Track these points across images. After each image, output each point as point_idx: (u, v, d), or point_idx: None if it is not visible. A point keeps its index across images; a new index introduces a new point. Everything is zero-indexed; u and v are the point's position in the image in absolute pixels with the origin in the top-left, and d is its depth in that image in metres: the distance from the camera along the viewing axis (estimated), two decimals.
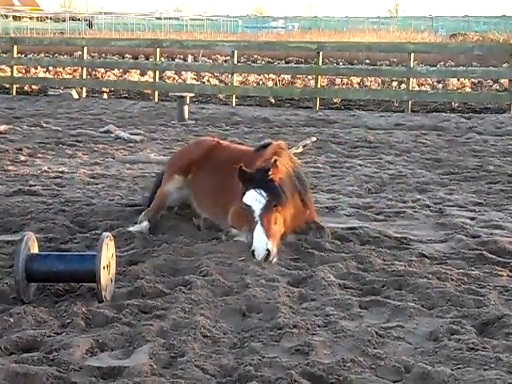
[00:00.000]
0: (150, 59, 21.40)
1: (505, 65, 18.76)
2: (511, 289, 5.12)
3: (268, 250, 5.54)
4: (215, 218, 6.64)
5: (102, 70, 24.55)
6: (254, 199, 5.72)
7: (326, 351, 4.11)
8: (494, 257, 5.90)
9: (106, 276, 4.84)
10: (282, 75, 23.10)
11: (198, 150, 7.25)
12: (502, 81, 20.54)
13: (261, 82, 22.87)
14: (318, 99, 17.87)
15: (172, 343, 4.16)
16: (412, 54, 17.41)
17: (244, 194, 5.78)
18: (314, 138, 12.02)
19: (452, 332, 4.34)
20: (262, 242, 5.55)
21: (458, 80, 21.56)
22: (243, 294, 4.92)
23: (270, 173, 5.78)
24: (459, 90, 20.54)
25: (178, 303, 4.74)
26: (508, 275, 5.46)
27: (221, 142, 7.49)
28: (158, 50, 19.84)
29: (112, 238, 5.00)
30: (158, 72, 19.92)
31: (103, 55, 31.48)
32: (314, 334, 4.35)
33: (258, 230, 5.59)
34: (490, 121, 15.25)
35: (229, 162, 6.33)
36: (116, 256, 5.21)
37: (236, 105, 18.45)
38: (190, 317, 4.53)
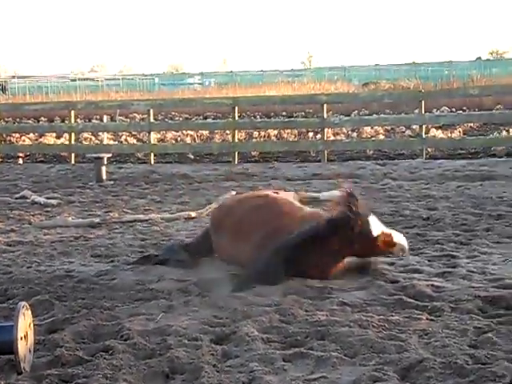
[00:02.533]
0: (66, 121, 21.25)
1: (416, 111, 19.29)
2: (431, 332, 5.20)
3: None
4: None
5: (17, 135, 24.23)
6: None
7: None
8: (412, 301, 6.00)
9: (24, 346, 4.73)
10: (200, 131, 23.25)
11: None
12: (413, 126, 21.12)
13: (179, 139, 22.94)
14: (237, 153, 18.03)
15: None
16: (325, 105, 17.80)
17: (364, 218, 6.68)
18: (234, 192, 12.09)
19: (374, 379, 4.38)
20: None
21: (372, 128, 22.08)
22: (166, 356, 4.86)
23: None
24: (373, 138, 21.01)
25: (100, 370, 4.65)
26: (427, 318, 5.55)
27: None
28: (72, 112, 19.74)
29: (28, 307, 4.90)
30: (73, 134, 19.78)
31: (18, 119, 31.11)
32: None
33: (395, 234, 6.87)
34: (403, 166, 15.64)
35: None
36: (34, 325, 5.10)
37: (155, 162, 18.45)
38: (112, 383, 4.45)
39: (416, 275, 6.86)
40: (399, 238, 6.89)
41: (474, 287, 6.33)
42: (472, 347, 4.87)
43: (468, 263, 7.28)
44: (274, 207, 7.33)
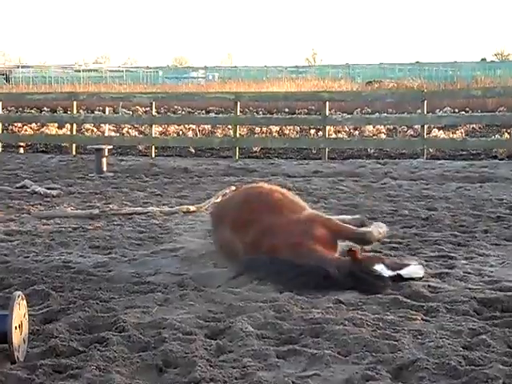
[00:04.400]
0: (68, 112, 21.25)
1: (418, 111, 19.28)
2: (425, 332, 5.20)
3: None
4: None
5: (19, 125, 24.24)
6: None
7: None
8: (408, 301, 6.00)
9: (19, 336, 4.73)
10: (201, 125, 23.25)
11: None
12: (415, 126, 21.10)
13: (181, 133, 22.94)
14: (238, 148, 18.03)
15: None
16: (327, 103, 17.78)
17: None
18: (234, 187, 12.08)
19: (367, 378, 4.39)
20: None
21: (374, 127, 22.06)
22: (160, 349, 4.86)
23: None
24: (374, 137, 21.02)
25: (93, 361, 4.66)
26: (422, 319, 5.55)
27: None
28: (74, 102, 19.76)
29: (24, 297, 4.90)
30: (75, 125, 19.80)
31: (20, 109, 31.11)
32: None
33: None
34: (404, 166, 15.64)
35: None
36: (29, 315, 5.10)
37: (156, 155, 18.46)
38: (105, 375, 4.45)
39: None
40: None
41: (470, 289, 6.33)
42: (466, 349, 4.87)
43: (465, 264, 7.28)
44: (273, 202, 7.31)
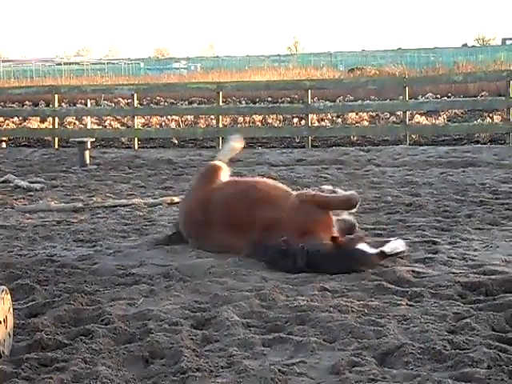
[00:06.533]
0: (50, 106, 21.14)
1: (400, 97, 19.32)
2: (410, 317, 5.22)
3: None
4: None
5: (1, 119, 24.08)
6: None
7: None
8: (392, 286, 6.03)
9: (4, 330, 4.72)
10: (184, 116, 23.19)
11: None
12: (398, 113, 21.15)
13: (164, 124, 22.88)
14: (221, 138, 17.99)
15: None
16: (309, 91, 17.78)
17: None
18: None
19: (353, 364, 4.41)
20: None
21: (356, 114, 22.09)
22: (146, 341, 4.86)
23: None
24: (357, 124, 21.05)
25: (79, 354, 4.66)
26: (407, 304, 5.58)
27: None
28: (56, 96, 19.66)
29: (7, 291, 4.89)
30: (57, 118, 19.70)
31: (2, 103, 30.94)
32: (217, 375, 4.34)
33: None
34: (387, 152, 15.67)
35: None
36: (14, 309, 5.09)
37: (139, 147, 18.40)
38: (91, 367, 4.45)
39: (397, 260, 6.88)
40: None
41: (454, 273, 6.36)
42: (451, 333, 4.90)
43: (449, 249, 7.31)
44: (260, 196, 7.32)
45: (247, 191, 7.46)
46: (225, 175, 7.99)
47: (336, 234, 6.80)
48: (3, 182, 12.94)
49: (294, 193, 7.53)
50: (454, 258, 6.95)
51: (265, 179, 8.17)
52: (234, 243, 7.10)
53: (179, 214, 8.12)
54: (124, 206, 10.36)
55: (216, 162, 8.23)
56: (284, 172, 13.38)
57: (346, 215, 7.56)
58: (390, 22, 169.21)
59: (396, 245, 6.86)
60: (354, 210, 7.45)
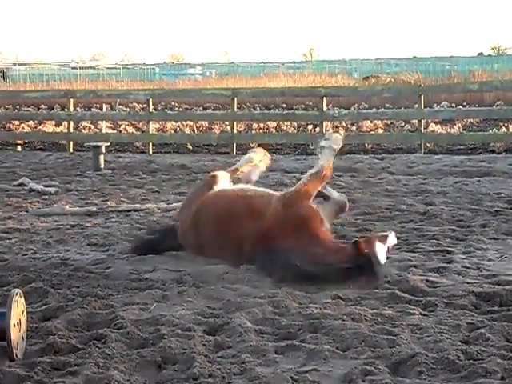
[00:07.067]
0: (66, 109, 21.24)
1: (415, 105, 19.27)
2: (423, 327, 5.20)
3: None
4: None
5: (17, 122, 24.20)
6: None
7: None
8: (406, 295, 6.01)
9: (17, 333, 4.74)
10: (199, 121, 23.24)
11: None
12: (412, 121, 21.10)
13: (178, 129, 22.93)
14: (235, 144, 18.02)
15: None
16: (324, 98, 17.77)
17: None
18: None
19: (366, 373, 4.39)
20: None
21: (371, 122, 22.05)
22: (158, 346, 4.87)
23: None
24: (372, 132, 21.01)
25: (92, 358, 4.66)
26: (420, 313, 5.56)
27: None
28: (71, 100, 19.73)
29: (22, 294, 4.90)
30: (72, 122, 19.77)
31: (18, 107, 31.10)
32: (229, 382, 4.34)
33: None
34: (401, 161, 15.63)
35: None
36: (28, 312, 5.11)
37: (153, 152, 18.45)
38: (103, 371, 4.45)
39: (411, 270, 6.86)
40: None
41: (468, 283, 6.33)
42: (464, 343, 4.88)
43: (463, 259, 7.28)
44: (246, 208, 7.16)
45: (230, 207, 7.25)
46: (222, 185, 7.82)
47: (327, 226, 6.90)
48: (18, 185, 13.00)
49: (276, 195, 7.37)
50: (468, 267, 6.92)
51: (243, 187, 7.80)
52: (224, 259, 7.07)
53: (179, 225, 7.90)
54: (138, 210, 10.38)
55: (213, 173, 8.11)
56: (298, 179, 13.34)
57: (335, 195, 7.49)
58: (405, 30, 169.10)
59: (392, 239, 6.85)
60: (330, 173, 7.30)
